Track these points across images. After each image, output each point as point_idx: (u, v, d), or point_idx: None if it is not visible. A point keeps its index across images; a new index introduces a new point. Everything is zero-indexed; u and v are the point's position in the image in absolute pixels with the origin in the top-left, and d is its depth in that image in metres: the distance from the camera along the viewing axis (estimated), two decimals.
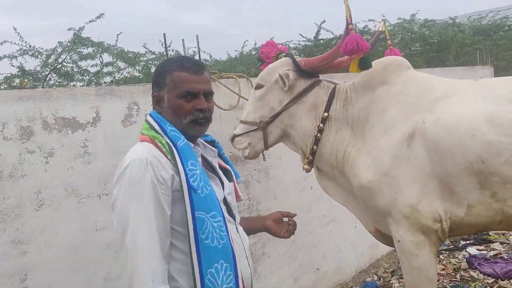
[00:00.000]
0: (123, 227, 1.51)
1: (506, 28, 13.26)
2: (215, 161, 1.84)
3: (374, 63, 2.45)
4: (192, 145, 1.70)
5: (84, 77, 7.78)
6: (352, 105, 2.50)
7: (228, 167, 1.91)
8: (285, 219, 2.11)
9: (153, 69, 8.15)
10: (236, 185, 1.93)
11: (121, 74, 8.46)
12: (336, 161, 2.53)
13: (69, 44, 7.15)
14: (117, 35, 7.79)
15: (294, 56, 2.71)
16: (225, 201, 1.76)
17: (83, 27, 7.17)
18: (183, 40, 3.23)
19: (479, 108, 2.15)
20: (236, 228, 1.80)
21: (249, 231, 1.99)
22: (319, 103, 2.57)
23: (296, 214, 2.12)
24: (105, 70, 8.15)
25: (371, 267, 4.48)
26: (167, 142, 1.62)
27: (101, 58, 7.39)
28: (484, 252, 4.40)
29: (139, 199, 1.50)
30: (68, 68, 7.43)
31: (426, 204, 2.21)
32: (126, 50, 7.77)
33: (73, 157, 2.41)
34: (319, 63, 2.60)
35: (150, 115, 1.74)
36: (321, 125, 2.52)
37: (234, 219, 1.80)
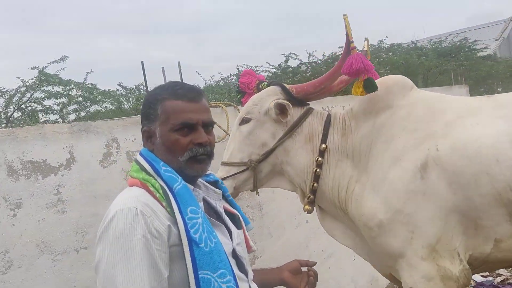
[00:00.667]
0: None
1: (466, 49, 13.67)
2: (220, 205, 1.55)
3: None
4: (192, 187, 1.43)
5: (48, 116, 7.40)
6: (352, 134, 2.23)
7: (235, 211, 1.62)
8: (304, 269, 1.80)
9: (125, 105, 7.84)
10: (246, 233, 1.63)
11: (87, 112, 8.08)
12: (338, 200, 2.24)
13: (34, 82, 6.78)
14: (87, 73, 7.43)
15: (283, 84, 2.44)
16: (234, 253, 1.47)
17: (47, 66, 6.85)
18: (163, 68, 2.96)
19: (500, 129, 1.93)
20: (249, 287, 1.50)
21: (263, 286, 1.68)
22: (314, 134, 2.28)
23: (316, 263, 1.81)
24: (71, 107, 7.79)
25: None
26: (161, 185, 1.35)
27: (68, 96, 7.01)
28: (490, 278, 4.18)
29: (127, 260, 1.23)
30: (33, 107, 7.04)
31: (446, 243, 1.95)
32: (96, 87, 7.42)
33: (45, 206, 2.07)
34: (314, 88, 2.31)
35: (141, 153, 1.48)
36: (320, 158, 2.23)
37: (247, 275, 1.50)
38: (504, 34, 20.64)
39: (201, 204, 1.43)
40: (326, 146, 2.23)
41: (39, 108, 7.37)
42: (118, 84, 8.27)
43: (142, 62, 3.29)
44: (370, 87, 2.10)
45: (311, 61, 10.20)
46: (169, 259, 1.30)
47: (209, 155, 1.46)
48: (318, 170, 2.23)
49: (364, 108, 2.22)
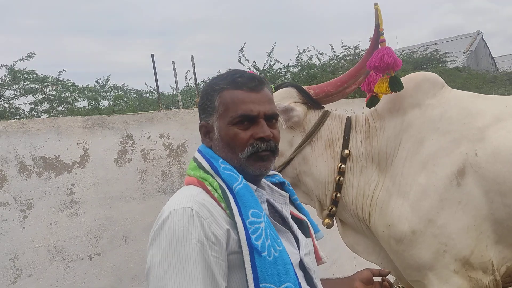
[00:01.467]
0: None
1: (436, 61, 13.98)
2: (286, 210, 1.36)
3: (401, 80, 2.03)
4: (255, 187, 1.26)
5: (17, 117, 7.02)
6: (378, 136, 2.02)
7: (303, 217, 1.42)
8: (376, 279, 1.61)
9: (101, 103, 7.55)
10: (316, 242, 1.45)
11: (62, 107, 7.71)
12: (362, 210, 2.02)
13: (3, 80, 6.41)
14: (59, 72, 7.06)
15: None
16: (302, 265, 1.28)
17: (15, 64, 6.51)
18: (173, 62, 2.75)
19: None
20: None
21: None
22: (334, 139, 2.06)
23: (390, 272, 1.59)
24: (42, 108, 7.42)
25: None
26: (219, 184, 1.19)
27: (43, 94, 6.66)
28: None
29: (181, 267, 1.08)
30: (4, 107, 6.66)
31: (480, 254, 1.81)
32: (74, 83, 7.09)
33: (57, 208, 1.86)
34: (336, 88, 2.09)
35: (199, 150, 1.32)
36: (343, 165, 2.01)
37: None
38: (472, 47, 21.27)
39: (265, 206, 1.25)
40: (349, 151, 2.02)
41: (8, 108, 7.00)
42: (95, 81, 7.93)
43: (152, 55, 3.09)
44: (397, 84, 1.92)
45: (291, 64, 10.03)
46: (228, 268, 1.14)
47: (273, 151, 1.27)
48: (341, 178, 2.01)
49: (390, 107, 2.02)
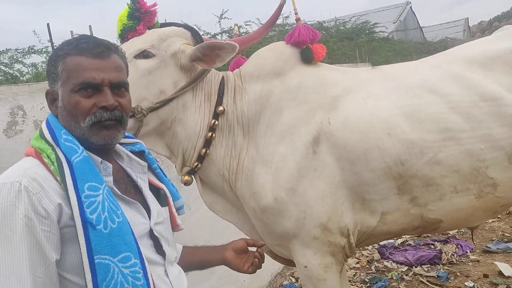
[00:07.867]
0: None
1: (367, 31, 14.41)
2: (144, 179, 1.41)
3: (263, 50, 2.14)
4: (99, 160, 1.27)
5: None
6: (241, 96, 2.05)
7: (161, 186, 1.47)
8: (251, 249, 1.71)
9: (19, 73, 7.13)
10: (173, 209, 1.50)
11: None
12: (229, 172, 2.05)
13: None
14: None
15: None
16: (152, 234, 1.34)
17: None
18: (71, 31, 2.71)
19: (394, 102, 1.92)
20: (165, 271, 1.36)
21: (203, 265, 1.63)
22: (212, 93, 2.04)
23: (264, 244, 1.69)
24: None
25: (286, 269, 4.33)
26: (58, 157, 1.20)
27: None
28: (392, 240, 4.50)
29: (6, 242, 1.10)
30: None
31: (337, 220, 1.92)
32: None
33: None
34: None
35: (46, 119, 1.31)
36: (216, 122, 2.00)
37: (165, 257, 1.37)
38: (401, 17, 22.07)
39: (109, 179, 1.27)
40: (224, 108, 2.02)
41: None
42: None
43: (48, 24, 3.00)
44: (308, 57, 2.05)
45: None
46: (61, 241, 1.17)
47: (120, 120, 1.29)
48: (213, 135, 2.01)
49: (252, 71, 2.07)
